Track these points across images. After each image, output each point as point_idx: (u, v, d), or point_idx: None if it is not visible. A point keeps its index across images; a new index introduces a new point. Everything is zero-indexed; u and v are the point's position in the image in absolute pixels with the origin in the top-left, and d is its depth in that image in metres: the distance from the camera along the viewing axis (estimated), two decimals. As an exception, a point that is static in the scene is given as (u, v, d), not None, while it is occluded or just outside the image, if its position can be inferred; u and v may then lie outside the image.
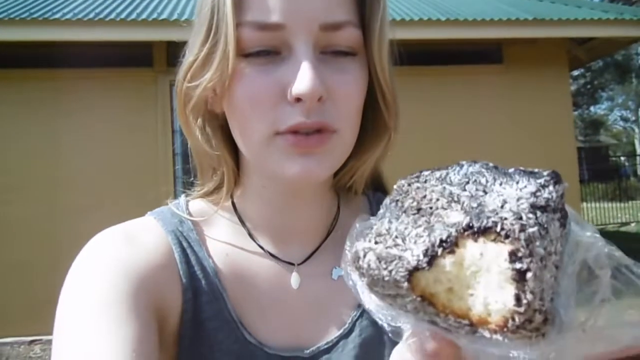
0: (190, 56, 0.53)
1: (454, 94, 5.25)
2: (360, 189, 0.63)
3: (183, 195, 0.61)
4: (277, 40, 0.49)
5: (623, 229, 10.60)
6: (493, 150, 5.27)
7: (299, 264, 0.57)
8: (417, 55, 5.00)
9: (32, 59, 4.55)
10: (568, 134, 5.50)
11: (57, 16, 4.28)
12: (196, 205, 0.60)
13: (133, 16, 4.42)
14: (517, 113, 5.31)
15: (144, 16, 4.42)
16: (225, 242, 0.57)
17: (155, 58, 4.71)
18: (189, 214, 0.58)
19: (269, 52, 0.49)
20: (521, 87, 5.35)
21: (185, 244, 0.55)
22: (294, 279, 0.56)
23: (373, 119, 0.57)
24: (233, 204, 0.59)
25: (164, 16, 4.43)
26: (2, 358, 4.09)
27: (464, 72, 5.27)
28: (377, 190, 0.68)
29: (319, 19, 0.49)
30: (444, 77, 5.22)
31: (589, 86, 23.62)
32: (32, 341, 4.26)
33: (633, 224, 10.95)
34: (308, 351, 0.55)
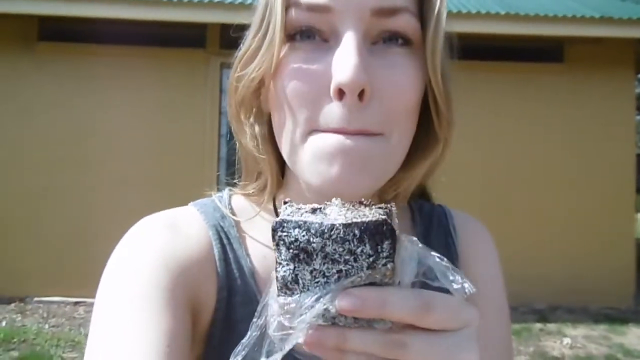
0: (243, 46, 0.52)
1: (509, 91, 5.06)
2: (405, 201, 0.59)
3: (227, 189, 0.60)
4: (326, 25, 0.46)
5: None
6: (546, 152, 5.05)
7: None
8: (472, 49, 4.83)
9: (89, 34, 4.74)
10: (628, 140, 5.19)
11: (117, -6, 4.43)
12: (239, 201, 0.58)
13: (190, -3, 4.50)
14: (575, 115, 5.05)
15: (200, -3, 4.49)
16: (264, 243, 0.55)
17: (208, 39, 4.79)
18: (232, 209, 0.57)
19: (314, 35, 0.46)
20: (582, 88, 5.07)
21: (225, 240, 0.54)
22: None
23: (425, 127, 0.51)
24: (275, 206, 0.57)
25: (219, -2, 4.49)
26: (50, 315, 4.36)
27: (521, 69, 5.05)
28: (420, 196, 0.65)
29: (370, 4, 0.45)
30: (500, 74, 5.02)
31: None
32: (76, 302, 4.52)
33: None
34: None
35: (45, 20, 4.72)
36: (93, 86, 4.79)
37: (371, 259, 0.32)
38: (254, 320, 0.36)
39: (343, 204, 0.36)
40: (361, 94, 0.44)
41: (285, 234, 0.32)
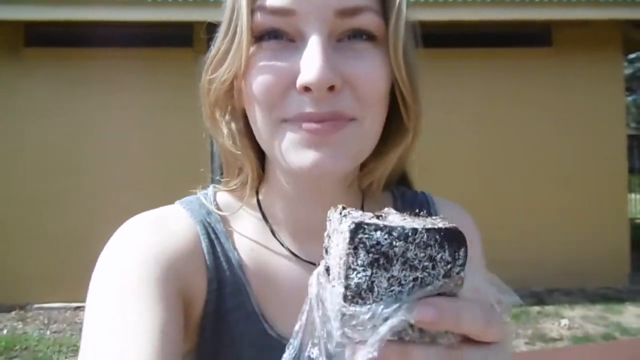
0: (213, 49, 0.53)
1: (499, 77, 5.07)
2: (380, 188, 0.61)
3: (211, 186, 0.61)
4: (290, 27, 0.48)
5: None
6: (538, 136, 5.08)
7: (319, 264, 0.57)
8: (460, 37, 4.84)
9: (75, 38, 4.70)
10: (618, 122, 5.23)
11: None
12: (224, 198, 0.60)
13: (175, -4, 4.47)
14: (566, 98, 5.08)
15: (185, -4, 4.46)
16: (250, 237, 0.57)
17: (195, 38, 4.76)
18: (217, 205, 0.58)
19: (281, 36, 0.48)
20: (571, 71, 5.10)
21: (212, 235, 0.55)
22: None
23: (394, 119, 0.54)
24: (258, 201, 0.59)
25: (205, -4, 4.46)
26: (51, 321, 4.36)
27: (510, 55, 5.07)
28: (401, 184, 0.67)
29: (332, 5, 0.46)
30: (490, 60, 5.03)
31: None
32: (77, 307, 4.52)
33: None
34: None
35: (31, 25, 4.67)
36: (82, 89, 4.76)
37: (448, 267, 0.31)
38: (291, 341, 0.35)
39: (400, 213, 0.35)
40: (332, 88, 0.46)
41: (366, 236, 0.30)
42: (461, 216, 0.67)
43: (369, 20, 0.48)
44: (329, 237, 0.35)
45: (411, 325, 0.30)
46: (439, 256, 0.30)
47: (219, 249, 0.55)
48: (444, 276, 0.31)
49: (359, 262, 0.30)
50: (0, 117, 4.76)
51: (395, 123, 0.54)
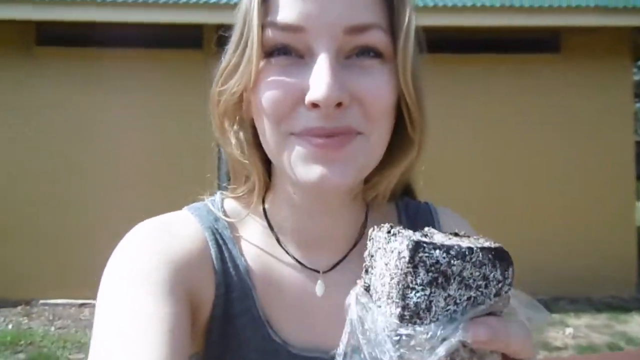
0: (223, 61, 0.54)
1: (507, 83, 5.06)
2: (385, 200, 0.62)
3: (219, 193, 0.62)
4: (300, 44, 0.48)
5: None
6: (545, 142, 5.06)
7: (324, 272, 0.58)
8: (468, 42, 4.84)
9: (86, 38, 4.75)
10: (626, 128, 5.19)
11: (114, -3, 4.44)
12: (231, 204, 0.60)
13: (185, -2, 4.51)
14: (573, 104, 5.06)
15: (195, -2, 4.50)
16: (256, 244, 0.58)
17: (205, 40, 4.80)
18: (224, 212, 0.59)
19: (290, 52, 0.49)
20: (579, 78, 5.07)
21: (220, 241, 0.56)
22: (319, 287, 0.57)
23: (400, 133, 0.54)
24: (264, 209, 0.59)
25: (214, -2, 4.50)
26: (56, 317, 4.40)
27: (518, 61, 5.05)
28: (405, 194, 0.67)
29: (341, 23, 0.47)
30: (497, 66, 5.02)
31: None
32: (82, 304, 4.55)
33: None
34: (331, 353, 0.56)
35: (43, 25, 4.73)
36: (92, 89, 4.81)
37: (499, 285, 0.31)
38: None
39: (442, 232, 0.36)
40: (339, 105, 0.47)
41: (426, 254, 0.30)
42: (463, 227, 0.67)
43: (377, 38, 0.49)
44: (372, 256, 0.35)
45: (464, 345, 0.31)
46: (491, 275, 0.31)
47: (226, 255, 0.56)
48: (495, 295, 0.31)
49: (418, 280, 0.30)
50: (9, 115, 4.81)
51: (400, 137, 0.54)
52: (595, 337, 4.07)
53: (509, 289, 0.32)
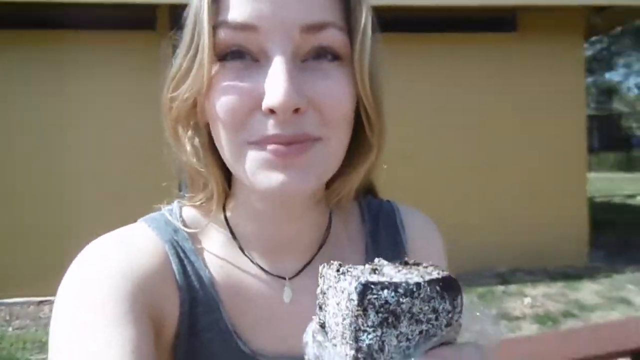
0: (174, 65, 0.51)
1: (464, 62, 5.12)
2: (348, 202, 0.61)
3: (176, 201, 0.59)
4: (254, 45, 0.46)
5: (629, 201, 10.54)
6: (501, 120, 5.18)
7: (290, 278, 0.57)
8: (424, 22, 4.83)
9: (32, 20, 4.45)
10: (579, 104, 5.39)
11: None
12: (190, 213, 0.58)
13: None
14: (528, 82, 5.20)
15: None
16: (219, 254, 0.56)
17: (158, 21, 4.59)
18: (183, 221, 0.57)
19: (244, 55, 0.47)
20: (534, 55, 5.20)
21: (182, 254, 0.54)
22: (286, 294, 0.56)
23: (358, 136, 0.53)
24: (226, 217, 0.57)
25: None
26: (13, 317, 4.23)
27: (475, 40, 5.11)
28: (368, 193, 0.67)
29: (296, 21, 0.45)
30: (454, 45, 5.06)
31: (605, 52, 22.92)
32: (40, 302, 4.39)
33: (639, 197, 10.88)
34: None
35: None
36: (43, 74, 4.54)
37: (450, 315, 0.32)
38: None
39: (392, 263, 0.35)
40: (297, 110, 0.45)
41: (375, 296, 0.30)
42: (425, 226, 0.68)
43: (334, 37, 0.47)
44: (324, 293, 0.35)
45: None
46: (441, 307, 0.31)
47: (189, 268, 0.54)
48: (446, 325, 0.32)
49: (369, 322, 0.30)
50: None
51: (359, 139, 0.53)
52: (551, 305, 4.29)
53: (459, 317, 0.32)
